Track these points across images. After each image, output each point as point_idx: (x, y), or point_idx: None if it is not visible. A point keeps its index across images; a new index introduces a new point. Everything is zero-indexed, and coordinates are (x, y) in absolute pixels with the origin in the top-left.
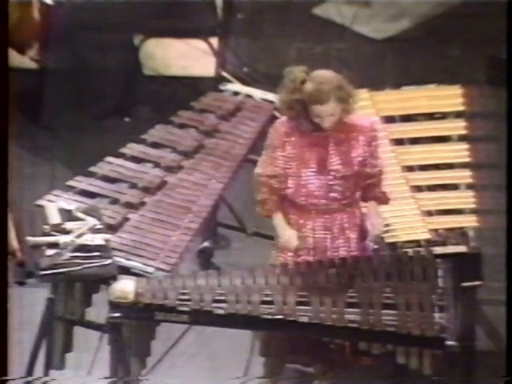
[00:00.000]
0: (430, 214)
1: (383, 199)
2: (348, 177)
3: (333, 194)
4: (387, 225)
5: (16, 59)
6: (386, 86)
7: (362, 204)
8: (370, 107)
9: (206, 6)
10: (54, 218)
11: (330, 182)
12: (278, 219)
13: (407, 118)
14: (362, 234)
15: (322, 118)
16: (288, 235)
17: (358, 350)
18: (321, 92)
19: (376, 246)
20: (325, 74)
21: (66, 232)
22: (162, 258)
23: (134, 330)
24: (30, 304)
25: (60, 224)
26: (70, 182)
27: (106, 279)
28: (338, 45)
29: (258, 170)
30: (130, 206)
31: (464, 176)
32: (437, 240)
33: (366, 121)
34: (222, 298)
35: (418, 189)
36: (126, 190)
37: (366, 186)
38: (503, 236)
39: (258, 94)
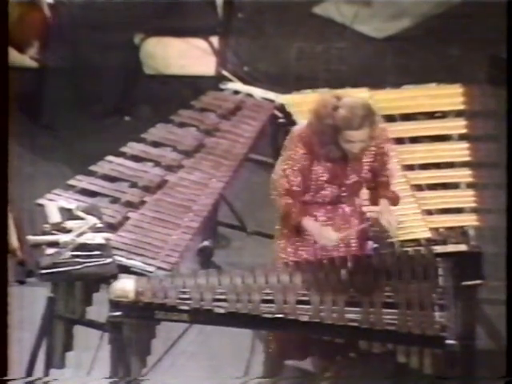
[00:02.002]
0: (430, 212)
1: (394, 199)
2: (356, 182)
3: (342, 200)
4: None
5: (16, 58)
6: (387, 84)
7: (366, 203)
8: None
9: (206, 5)
10: (55, 216)
11: (343, 194)
12: (309, 222)
13: (407, 117)
14: (364, 232)
15: (353, 144)
16: (327, 234)
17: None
18: (355, 117)
19: (376, 245)
20: (356, 100)
21: (67, 231)
22: (163, 256)
23: (135, 328)
24: (30, 303)
25: (60, 223)
26: (71, 181)
27: (106, 278)
28: (338, 44)
29: (278, 182)
30: (130, 204)
31: (464, 175)
32: (437, 239)
33: (380, 134)
34: (223, 296)
35: (419, 188)
36: (127, 189)
37: (375, 186)
38: (503, 235)
39: (258, 92)
